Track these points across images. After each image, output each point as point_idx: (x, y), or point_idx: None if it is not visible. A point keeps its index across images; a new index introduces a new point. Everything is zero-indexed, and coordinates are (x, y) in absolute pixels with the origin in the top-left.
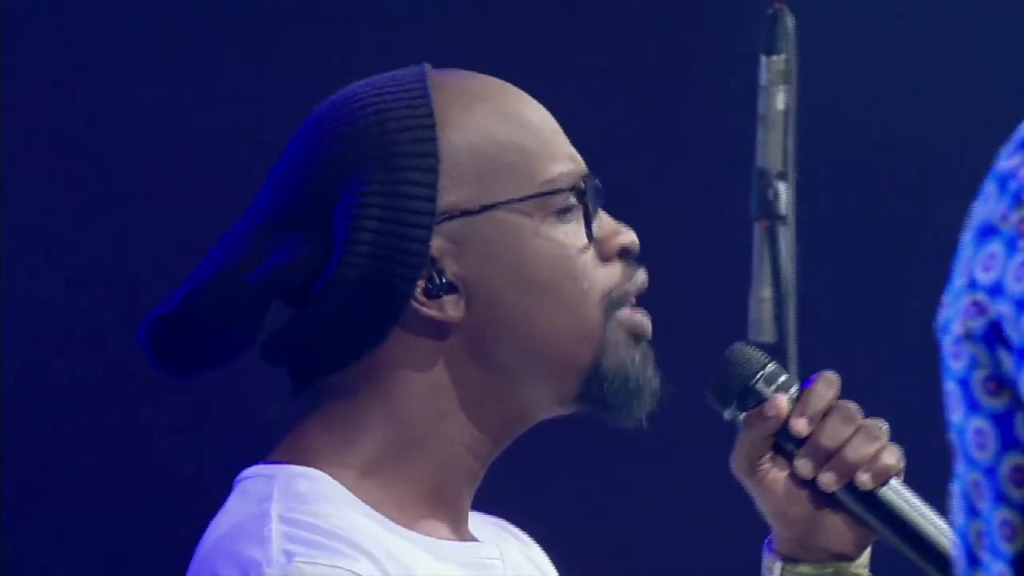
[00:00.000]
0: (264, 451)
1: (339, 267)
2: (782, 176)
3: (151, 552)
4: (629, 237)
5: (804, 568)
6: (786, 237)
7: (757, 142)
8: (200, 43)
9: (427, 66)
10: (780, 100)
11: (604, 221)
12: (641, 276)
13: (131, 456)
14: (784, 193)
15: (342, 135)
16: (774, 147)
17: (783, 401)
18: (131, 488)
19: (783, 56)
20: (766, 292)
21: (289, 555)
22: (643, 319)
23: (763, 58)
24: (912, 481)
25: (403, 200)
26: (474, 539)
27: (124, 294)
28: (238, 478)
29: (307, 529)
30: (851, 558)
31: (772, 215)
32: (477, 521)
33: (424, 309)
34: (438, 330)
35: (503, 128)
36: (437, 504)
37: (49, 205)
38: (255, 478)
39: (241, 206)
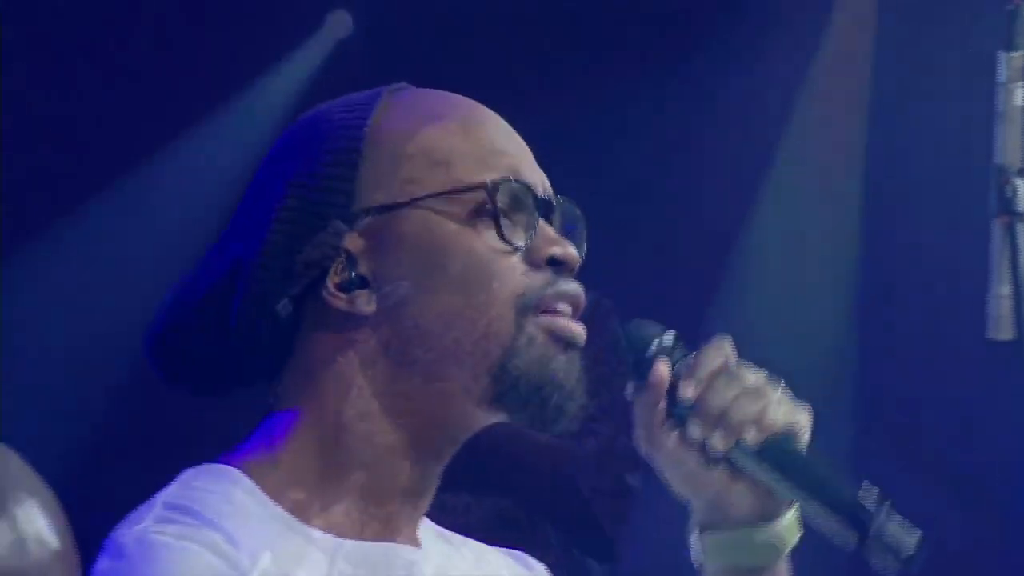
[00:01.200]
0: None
1: (258, 258)
2: (1021, 173)
3: None
4: (563, 248)
5: (718, 535)
6: None
7: (996, 139)
8: (200, 42)
9: (403, 84)
10: (1019, 96)
11: (544, 231)
12: (569, 286)
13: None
14: (1023, 190)
15: (283, 140)
16: (1013, 144)
17: (662, 367)
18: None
19: (1022, 52)
20: (1005, 289)
21: (145, 530)
22: (568, 324)
23: (1002, 54)
24: None
25: (317, 193)
26: (414, 544)
27: (123, 291)
28: None
29: (179, 511)
30: (763, 522)
31: (1011, 212)
32: (488, 553)
33: (335, 301)
34: (353, 326)
35: (443, 138)
36: (366, 506)
37: (48, 203)
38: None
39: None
